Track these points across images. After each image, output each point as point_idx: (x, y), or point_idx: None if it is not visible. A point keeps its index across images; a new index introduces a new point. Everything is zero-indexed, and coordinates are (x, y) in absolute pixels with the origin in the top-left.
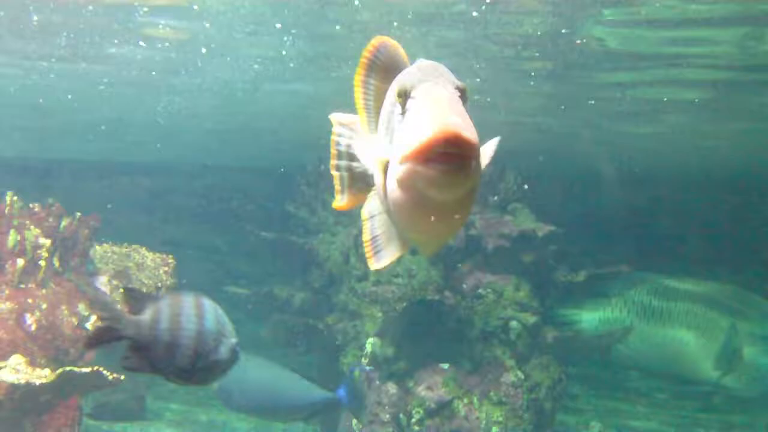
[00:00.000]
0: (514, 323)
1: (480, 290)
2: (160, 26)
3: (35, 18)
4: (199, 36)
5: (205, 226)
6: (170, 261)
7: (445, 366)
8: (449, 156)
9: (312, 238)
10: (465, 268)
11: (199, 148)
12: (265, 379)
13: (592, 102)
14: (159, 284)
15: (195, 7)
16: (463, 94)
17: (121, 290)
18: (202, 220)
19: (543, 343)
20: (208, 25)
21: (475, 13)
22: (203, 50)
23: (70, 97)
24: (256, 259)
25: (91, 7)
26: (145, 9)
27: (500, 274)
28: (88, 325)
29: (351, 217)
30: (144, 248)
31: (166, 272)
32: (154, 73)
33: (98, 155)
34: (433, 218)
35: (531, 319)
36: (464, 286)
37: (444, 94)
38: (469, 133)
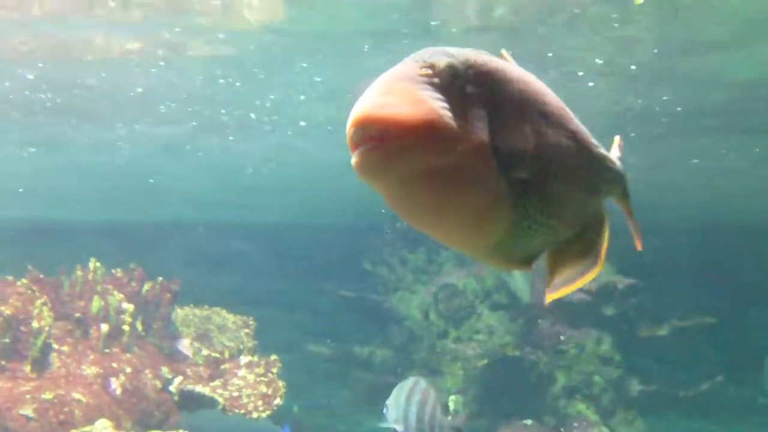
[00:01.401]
0: (597, 378)
1: (561, 345)
2: None
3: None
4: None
5: (284, 285)
6: (251, 322)
7: (529, 422)
8: (364, 139)
9: (391, 296)
10: (545, 324)
11: (280, 207)
12: (209, 419)
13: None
14: (240, 346)
15: None
16: (440, 72)
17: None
18: (282, 279)
19: (627, 397)
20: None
21: None
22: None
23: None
24: (336, 318)
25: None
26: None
27: (581, 329)
28: (172, 388)
29: (429, 275)
30: (225, 310)
31: (247, 334)
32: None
33: (176, 216)
34: (417, 213)
35: (615, 373)
36: (545, 341)
37: (383, 77)
38: (390, 109)
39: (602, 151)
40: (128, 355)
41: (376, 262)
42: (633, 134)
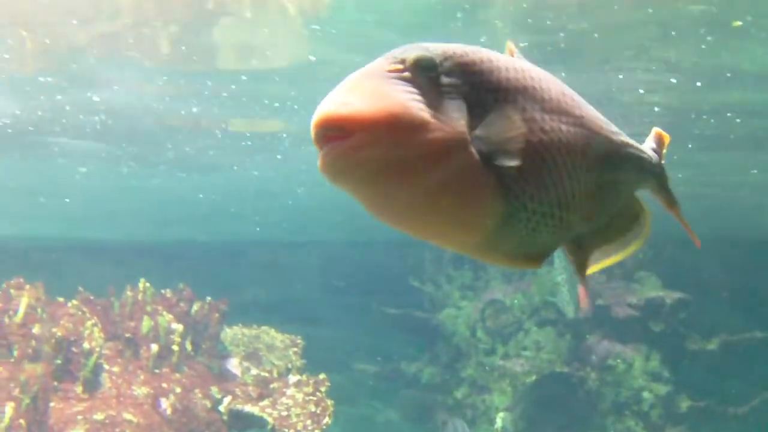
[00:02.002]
0: (646, 394)
1: (610, 361)
2: None
3: None
4: None
5: (330, 303)
6: (299, 341)
7: None
8: (326, 139)
9: (438, 313)
10: (593, 339)
11: (325, 224)
12: None
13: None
14: (289, 365)
15: None
16: (410, 66)
17: None
18: (328, 297)
19: (677, 413)
20: None
21: None
22: None
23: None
24: (382, 335)
25: None
26: None
27: (630, 344)
28: (222, 408)
29: (476, 291)
30: (273, 329)
31: (295, 353)
32: None
33: (224, 235)
34: (395, 212)
35: (663, 389)
36: (593, 357)
37: (349, 77)
38: (349, 106)
39: (624, 138)
40: (178, 375)
41: (423, 279)
42: (690, 146)
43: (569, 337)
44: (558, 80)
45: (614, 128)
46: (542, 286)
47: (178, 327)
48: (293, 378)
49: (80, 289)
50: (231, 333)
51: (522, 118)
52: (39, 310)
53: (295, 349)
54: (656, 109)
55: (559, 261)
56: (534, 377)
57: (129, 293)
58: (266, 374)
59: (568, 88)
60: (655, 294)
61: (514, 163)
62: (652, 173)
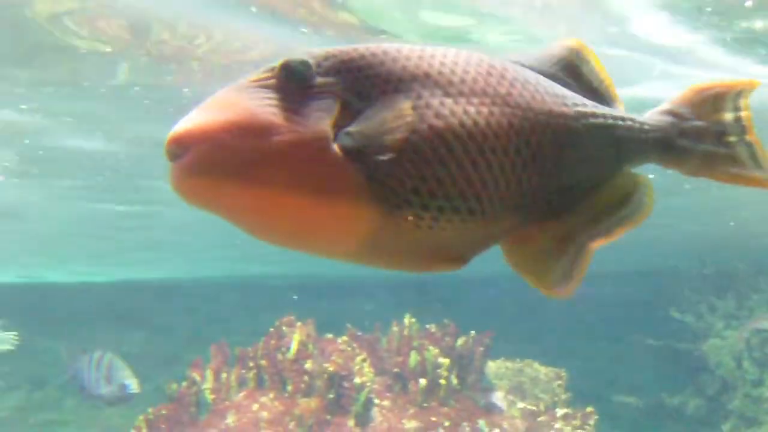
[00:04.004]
0: None
1: None
2: None
3: None
4: None
5: (587, 334)
6: (563, 374)
7: None
8: (173, 158)
9: (700, 344)
10: None
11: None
12: None
13: None
14: (555, 399)
15: None
16: (276, 72)
17: None
18: (584, 328)
19: None
20: None
21: None
22: None
23: None
24: (642, 367)
25: None
26: None
27: None
28: None
29: (740, 320)
30: (536, 362)
31: (559, 386)
32: None
33: (478, 270)
34: (261, 224)
35: None
36: None
37: (212, 96)
38: (191, 122)
39: (584, 109)
40: (446, 409)
41: (683, 310)
42: None
43: None
44: (494, 60)
45: (571, 100)
46: None
47: (445, 361)
48: (560, 411)
49: (348, 325)
50: (494, 366)
51: (413, 106)
52: (310, 346)
53: (560, 382)
54: None
55: None
56: None
57: (395, 329)
58: (533, 407)
59: (502, 65)
60: None
61: (384, 156)
62: (641, 141)
